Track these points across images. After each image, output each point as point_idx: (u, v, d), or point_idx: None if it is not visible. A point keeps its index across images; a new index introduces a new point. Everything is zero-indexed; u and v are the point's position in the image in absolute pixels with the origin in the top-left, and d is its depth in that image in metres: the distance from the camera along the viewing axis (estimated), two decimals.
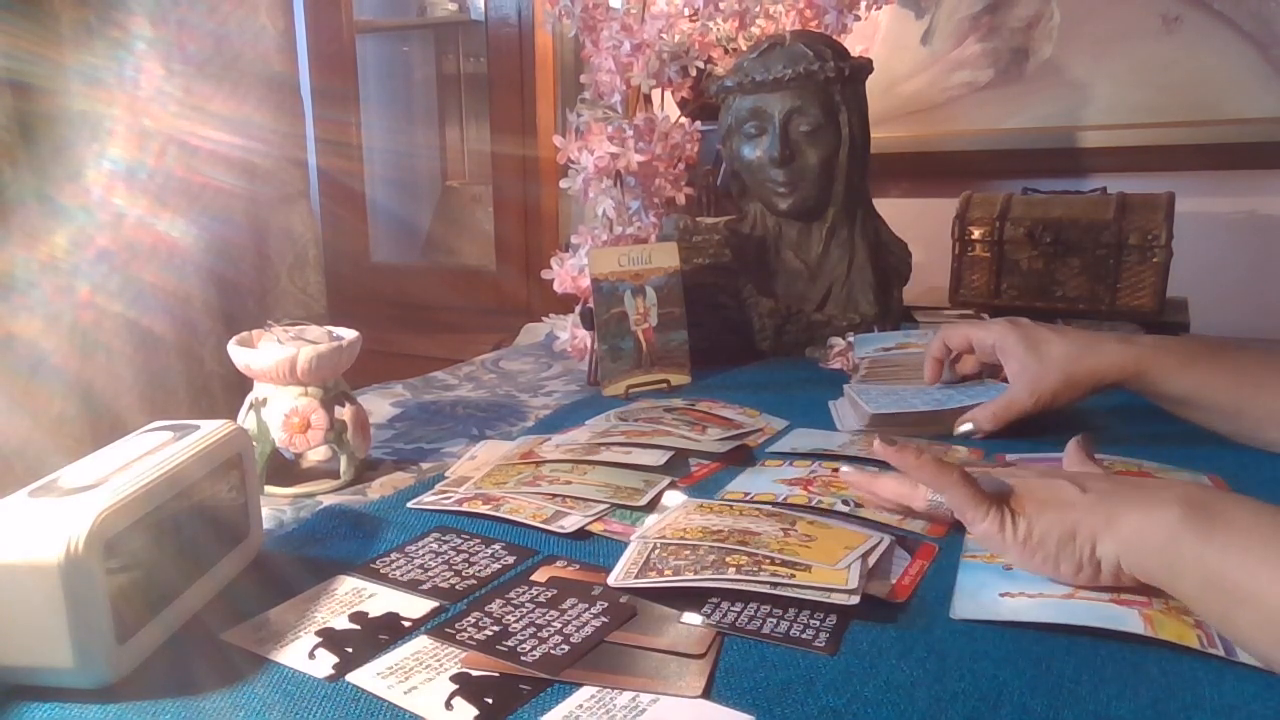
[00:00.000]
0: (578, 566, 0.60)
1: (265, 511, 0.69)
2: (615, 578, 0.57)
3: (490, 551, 0.63)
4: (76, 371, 1.31)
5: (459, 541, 0.64)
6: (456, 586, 0.58)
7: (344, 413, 0.77)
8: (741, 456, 0.81)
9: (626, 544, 0.61)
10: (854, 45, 1.28)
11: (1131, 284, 1.24)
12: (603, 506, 0.69)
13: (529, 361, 1.25)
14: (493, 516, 0.68)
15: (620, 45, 1.14)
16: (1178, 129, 1.43)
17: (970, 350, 0.87)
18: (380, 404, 1.02)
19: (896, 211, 1.32)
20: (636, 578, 0.56)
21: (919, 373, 1.03)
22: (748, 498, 0.70)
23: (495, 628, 0.52)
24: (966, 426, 0.82)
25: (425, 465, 0.83)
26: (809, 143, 1.16)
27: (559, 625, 0.52)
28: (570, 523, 0.66)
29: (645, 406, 0.93)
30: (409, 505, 0.71)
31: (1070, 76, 1.50)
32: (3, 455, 1.21)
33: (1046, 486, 0.55)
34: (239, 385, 0.82)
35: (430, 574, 0.60)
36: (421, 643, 0.51)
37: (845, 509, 0.67)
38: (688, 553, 0.58)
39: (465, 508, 0.70)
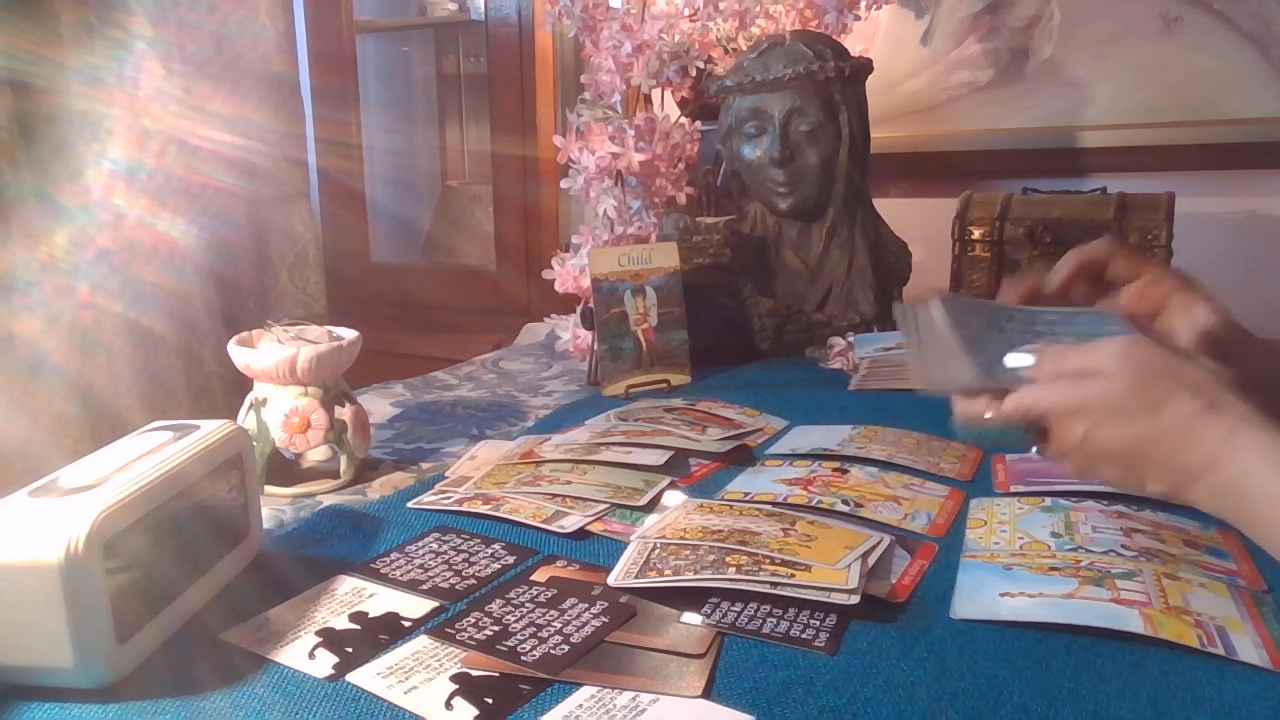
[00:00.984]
0: (578, 566, 0.60)
1: (265, 511, 0.69)
2: (615, 578, 0.57)
3: (490, 551, 0.63)
4: (76, 371, 1.31)
5: (459, 541, 0.64)
6: (456, 586, 0.58)
7: (344, 413, 0.77)
8: (741, 456, 0.81)
9: (626, 544, 0.61)
10: (854, 45, 1.28)
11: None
12: (603, 506, 0.69)
13: (529, 361, 1.25)
14: (493, 516, 0.68)
15: (620, 45, 1.14)
16: (1178, 129, 1.43)
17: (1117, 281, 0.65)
18: (380, 404, 1.02)
19: (896, 211, 1.32)
20: (636, 578, 0.56)
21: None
22: (748, 498, 0.70)
23: (495, 628, 0.52)
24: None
25: (425, 465, 0.83)
26: (809, 143, 1.16)
27: (559, 625, 0.52)
28: (570, 523, 0.66)
29: (645, 406, 0.93)
30: (409, 505, 0.71)
31: (1070, 76, 1.50)
32: (3, 455, 1.21)
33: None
34: (239, 385, 0.82)
35: (430, 574, 0.60)
36: (421, 643, 0.51)
37: (845, 509, 0.67)
38: (688, 553, 0.58)
39: (465, 508, 0.70)
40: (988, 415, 0.57)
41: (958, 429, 0.60)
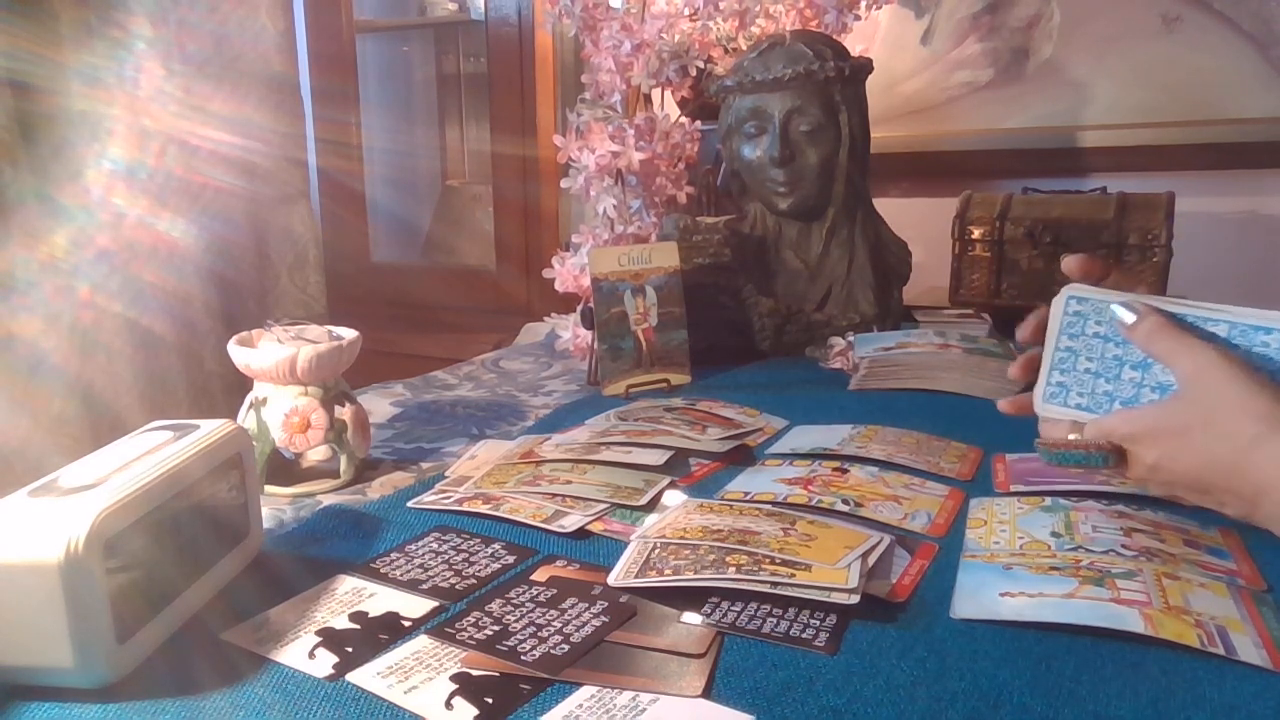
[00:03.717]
0: (578, 566, 0.60)
1: (265, 511, 0.69)
2: (615, 577, 0.57)
3: (490, 551, 0.63)
4: (76, 371, 1.31)
5: (459, 541, 0.64)
6: (456, 586, 0.58)
7: (344, 412, 0.77)
8: (741, 456, 0.81)
9: (626, 544, 0.61)
10: (854, 45, 1.28)
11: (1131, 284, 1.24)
12: (603, 506, 0.69)
13: (529, 361, 1.25)
14: (493, 516, 0.68)
15: (620, 45, 1.14)
16: (1178, 129, 1.43)
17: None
18: (380, 404, 1.02)
19: (896, 211, 1.32)
20: (636, 577, 0.56)
21: (920, 372, 1.03)
22: (748, 497, 0.70)
23: (495, 627, 0.52)
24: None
25: (425, 465, 0.83)
26: (809, 143, 1.16)
27: (559, 625, 0.52)
28: (570, 522, 0.66)
29: (645, 406, 0.93)
30: (409, 505, 0.71)
31: (1070, 76, 1.50)
32: (3, 455, 1.21)
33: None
34: (239, 385, 0.82)
35: (430, 574, 0.60)
36: (421, 642, 0.51)
37: (845, 509, 0.67)
38: (688, 552, 0.58)
39: (465, 507, 0.70)
40: (1070, 437, 0.59)
41: (1040, 451, 0.61)
